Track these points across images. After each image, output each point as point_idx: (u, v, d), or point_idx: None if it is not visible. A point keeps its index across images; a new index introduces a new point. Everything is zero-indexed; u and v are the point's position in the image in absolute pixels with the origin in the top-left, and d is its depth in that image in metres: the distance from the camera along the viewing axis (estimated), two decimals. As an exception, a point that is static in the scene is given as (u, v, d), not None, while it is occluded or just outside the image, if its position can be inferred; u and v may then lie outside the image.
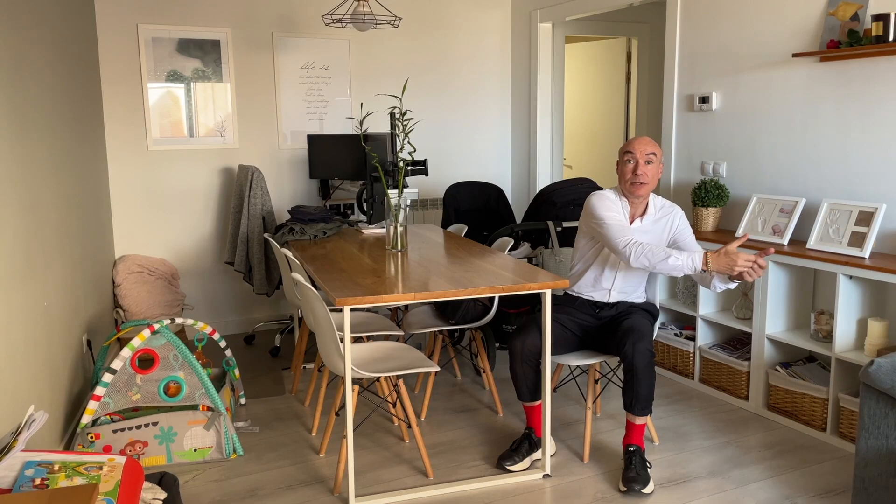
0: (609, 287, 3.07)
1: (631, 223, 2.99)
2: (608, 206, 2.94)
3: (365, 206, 4.46)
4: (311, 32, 4.93)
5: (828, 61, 3.32)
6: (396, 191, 3.42)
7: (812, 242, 3.26)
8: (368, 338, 3.60)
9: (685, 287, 3.96)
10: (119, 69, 4.48)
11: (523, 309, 3.94)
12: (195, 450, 3.01)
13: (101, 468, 2.01)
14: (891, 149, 3.11)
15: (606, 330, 3.02)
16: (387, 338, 4.08)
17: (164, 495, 2.17)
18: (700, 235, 3.67)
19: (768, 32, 3.58)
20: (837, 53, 3.18)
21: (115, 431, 2.92)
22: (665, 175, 4.22)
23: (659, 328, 4.02)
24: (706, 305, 3.75)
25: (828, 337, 3.23)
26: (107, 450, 2.91)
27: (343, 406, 3.31)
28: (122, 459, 2.06)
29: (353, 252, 3.46)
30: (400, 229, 3.43)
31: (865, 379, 2.23)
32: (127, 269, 4.38)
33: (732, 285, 2.82)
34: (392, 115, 4.50)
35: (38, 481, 1.94)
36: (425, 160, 4.39)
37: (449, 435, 3.29)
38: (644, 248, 2.75)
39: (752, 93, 3.70)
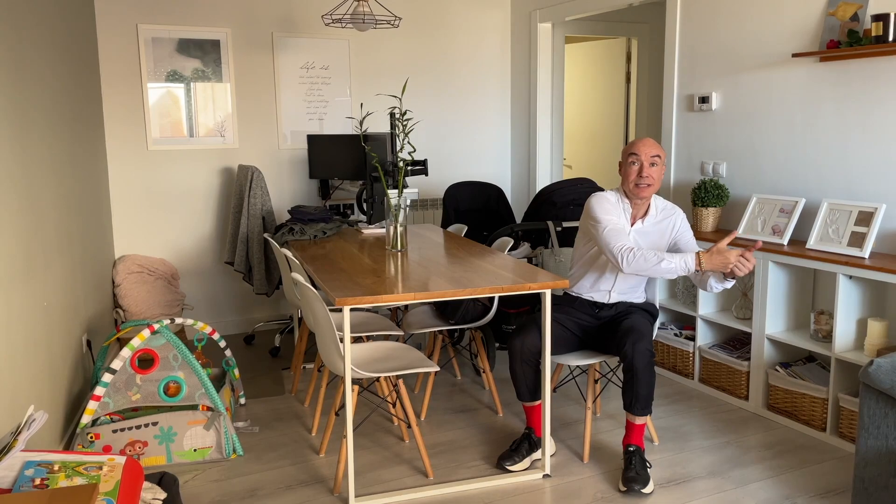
0: (609, 288, 3.07)
1: (632, 224, 2.99)
2: (607, 208, 2.93)
3: (365, 206, 4.46)
4: (311, 32, 4.93)
5: (827, 61, 3.32)
6: (396, 191, 3.42)
7: (812, 242, 3.26)
8: (368, 338, 3.60)
9: (685, 287, 3.96)
10: (119, 69, 4.49)
11: (523, 309, 3.94)
12: (195, 450, 3.01)
13: (100, 468, 2.01)
14: (891, 149, 3.11)
15: (606, 330, 3.02)
16: (387, 338, 4.08)
17: (163, 495, 2.17)
18: (700, 236, 3.67)
19: (768, 32, 3.58)
20: (837, 53, 3.19)
21: (114, 431, 2.92)
22: (665, 175, 4.22)
23: (659, 328, 4.02)
24: (706, 305, 3.75)
25: (827, 337, 3.23)
26: (107, 450, 2.91)
27: (343, 406, 3.31)
28: (121, 459, 2.06)
29: (353, 252, 3.46)
30: (400, 229, 3.43)
31: (865, 379, 2.23)
32: (127, 269, 4.38)
33: (728, 284, 2.82)
34: (392, 115, 4.50)
35: (37, 481, 1.94)
36: (425, 160, 4.39)
37: (449, 435, 3.29)
38: (636, 254, 2.74)
39: (751, 93, 3.70)
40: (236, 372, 3.57)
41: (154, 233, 4.70)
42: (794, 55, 3.36)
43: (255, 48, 4.79)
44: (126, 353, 2.96)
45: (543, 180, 5.40)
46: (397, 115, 4.46)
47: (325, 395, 3.76)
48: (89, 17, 4.21)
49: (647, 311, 3.07)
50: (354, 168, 4.46)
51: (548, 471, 2.92)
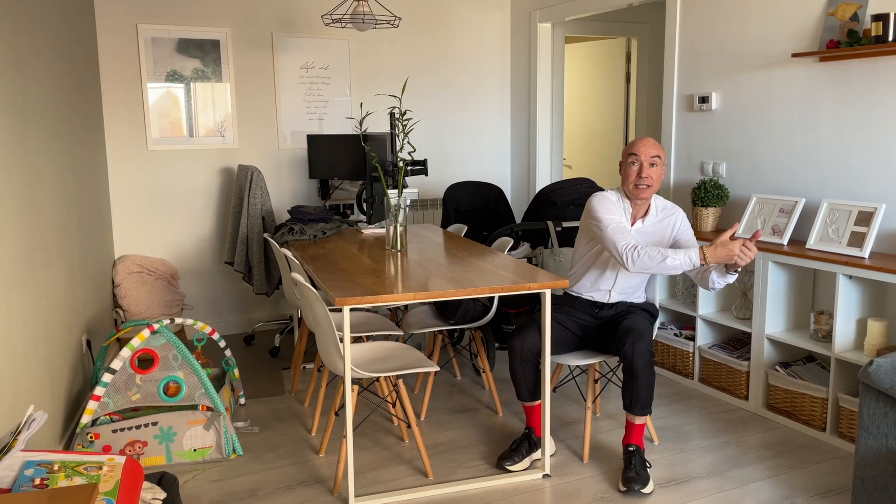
0: (609, 288, 3.07)
1: (633, 224, 2.99)
2: (609, 207, 2.93)
3: (364, 205, 4.46)
4: (311, 32, 4.93)
5: (827, 61, 3.33)
6: (396, 191, 3.42)
7: (812, 242, 3.26)
8: (368, 338, 3.60)
9: (685, 287, 3.96)
10: (119, 69, 4.49)
11: (523, 309, 3.94)
12: (195, 450, 3.01)
13: (100, 468, 2.01)
14: (890, 149, 3.11)
15: (606, 330, 3.02)
16: (386, 338, 4.08)
17: (163, 495, 2.17)
18: (700, 235, 3.67)
19: (768, 32, 3.58)
20: (837, 53, 3.19)
21: (114, 431, 2.92)
22: (665, 175, 4.21)
23: (658, 328, 4.02)
24: (706, 305, 3.75)
25: (827, 337, 3.23)
26: (106, 450, 2.91)
27: (343, 406, 3.31)
28: (121, 459, 2.06)
29: (353, 252, 3.46)
30: (399, 229, 3.43)
31: (865, 379, 2.23)
32: (126, 269, 4.38)
33: (731, 279, 2.82)
34: (392, 115, 4.50)
35: (37, 481, 1.94)
36: (425, 160, 4.39)
37: (448, 435, 3.29)
38: (641, 252, 2.75)
39: (751, 93, 3.70)
40: (236, 372, 3.57)
41: (154, 233, 4.70)
42: (794, 55, 3.36)
43: (255, 48, 4.79)
44: (126, 353, 2.96)
45: (543, 180, 5.40)
46: (397, 115, 4.46)
47: (325, 395, 3.76)
48: (89, 18, 4.21)
49: (647, 310, 3.07)
50: (354, 168, 4.46)
51: (548, 471, 2.92)
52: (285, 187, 5.01)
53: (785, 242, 3.39)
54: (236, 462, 3.05)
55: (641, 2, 4.38)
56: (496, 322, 3.99)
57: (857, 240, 3.11)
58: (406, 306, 4.16)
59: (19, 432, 2.02)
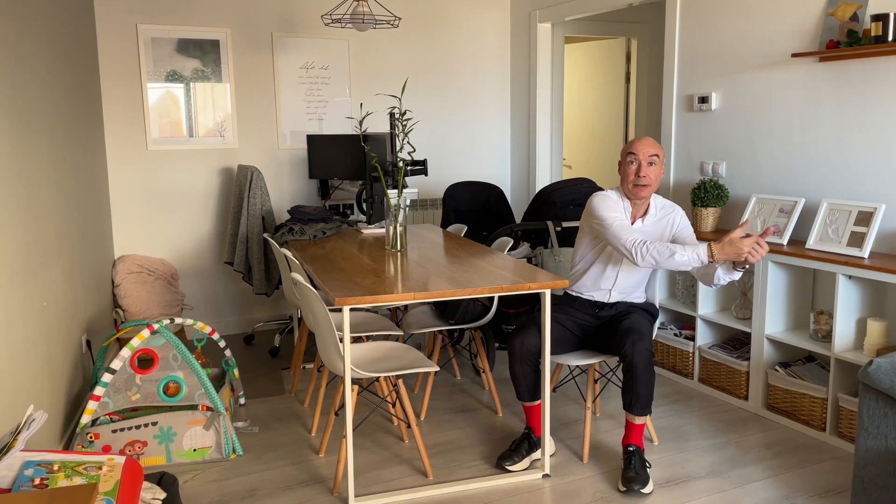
0: (610, 287, 3.07)
1: (632, 224, 2.99)
2: (610, 206, 2.94)
3: (364, 206, 4.46)
4: (311, 32, 4.93)
5: (827, 61, 3.33)
6: (396, 191, 3.42)
7: (811, 242, 3.26)
8: (368, 338, 3.60)
9: (685, 287, 3.96)
10: (118, 69, 4.49)
11: (523, 309, 3.94)
12: (195, 450, 3.01)
13: (100, 468, 2.01)
14: (890, 149, 3.11)
15: (606, 330, 3.02)
16: (386, 338, 4.08)
17: (163, 495, 2.17)
18: (700, 235, 3.67)
19: (768, 32, 3.58)
20: (837, 53, 3.19)
21: (114, 431, 2.92)
22: (665, 175, 4.22)
23: (658, 328, 4.02)
24: (706, 305, 3.75)
25: (827, 337, 3.23)
26: (106, 450, 2.91)
27: (342, 406, 3.31)
28: (121, 459, 2.06)
29: (353, 252, 3.46)
30: (399, 229, 3.43)
31: (865, 379, 2.23)
32: (126, 269, 4.38)
33: (738, 275, 2.81)
34: (391, 115, 4.50)
35: (37, 481, 1.94)
36: (425, 160, 4.39)
37: (448, 435, 3.29)
38: (650, 247, 2.75)
39: (751, 93, 3.70)
40: (236, 372, 3.57)
41: (154, 233, 4.70)
42: (794, 55, 3.36)
43: (255, 48, 4.79)
44: (126, 353, 2.96)
45: (543, 180, 5.40)
46: (397, 115, 4.46)
47: (325, 395, 3.76)
48: (89, 18, 4.21)
49: (647, 310, 3.07)
50: (354, 168, 4.46)
51: (547, 471, 2.92)
52: (285, 187, 5.01)
53: (785, 242, 3.39)
54: (236, 462, 3.05)
55: (641, 2, 4.38)
56: (496, 322, 3.99)
57: (857, 240, 3.11)
58: (406, 306, 4.16)
59: (19, 432, 2.02)
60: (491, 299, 3.48)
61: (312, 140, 4.61)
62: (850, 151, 3.27)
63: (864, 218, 3.12)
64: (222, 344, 3.53)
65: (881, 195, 3.16)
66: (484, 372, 3.64)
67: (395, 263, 3.14)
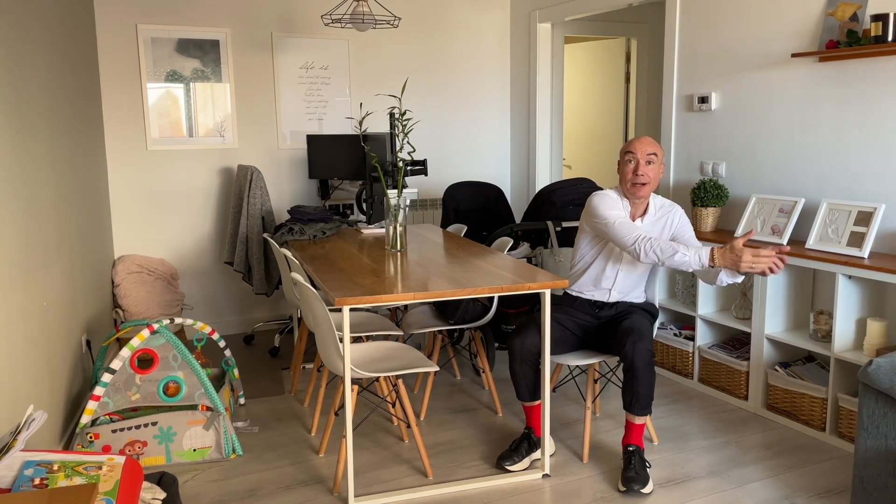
0: (609, 287, 3.07)
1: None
2: (611, 204, 2.94)
3: (364, 206, 4.46)
4: (311, 32, 4.93)
5: (827, 61, 3.33)
6: (396, 191, 3.42)
7: (811, 242, 3.26)
8: (368, 338, 3.60)
9: (684, 287, 3.96)
10: (118, 69, 4.49)
11: (523, 309, 3.94)
12: (194, 450, 3.01)
13: (100, 468, 2.01)
14: (890, 149, 3.11)
15: (606, 330, 3.02)
16: (386, 338, 4.08)
17: (163, 495, 2.17)
18: (699, 235, 3.67)
19: (767, 32, 3.58)
20: (836, 53, 3.19)
21: (114, 431, 2.92)
22: (664, 175, 4.22)
23: (658, 328, 4.03)
24: (705, 305, 3.75)
25: (827, 337, 3.23)
26: (106, 450, 2.91)
27: (342, 406, 3.31)
28: (121, 459, 2.06)
29: (353, 252, 3.46)
30: (399, 229, 3.43)
31: (864, 379, 2.23)
32: (126, 269, 4.38)
33: (740, 278, 2.82)
34: (391, 115, 4.50)
35: (37, 481, 1.94)
36: (424, 160, 4.39)
37: (448, 435, 3.29)
38: (653, 244, 2.75)
39: (751, 93, 3.70)
40: (236, 372, 3.57)
41: (153, 233, 4.70)
42: (794, 55, 3.36)
43: (255, 48, 4.79)
44: (125, 352, 2.96)
45: (543, 180, 5.40)
46: (397, 115, 4.46)
47: (325, 395, 3.76)
48: (89, 17, 4.21)
49: (647, 310, 3.07)
50: (354, 168, 4.46)
51: (547, 471, 2.92)
52: (285, 187, 5.01)
53: (784, 242, 3.39)
54: (236, 462, 3.05)
55: (641, 2, 4.38)
56: (496, 322, 4.00)
57: (857, 240, 3.11)
58: (406, 306, 4.16)
59: (19, 432, 2.02)
60: (491, 299, 3.48)
61: (312, 140, 4.61)
62: (849, 151, 3.27)
63: (864, 218, 3.12)
64: (222, 344, 3.53)
65: (881, 195, 3.16)
66: (484, 372, 3.64)
67: (395, 263, 3.14)
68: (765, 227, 3.50)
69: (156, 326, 3.01)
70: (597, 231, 2.99)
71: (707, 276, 2.89)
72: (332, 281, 2.78)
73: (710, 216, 3.77)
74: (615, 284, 3.06)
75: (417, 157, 5.31)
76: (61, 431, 2.99)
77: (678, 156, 4.16)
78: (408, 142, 3.34)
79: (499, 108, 5.59)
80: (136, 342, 2.97)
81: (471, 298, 3.37)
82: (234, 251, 4.48)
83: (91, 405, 2.91)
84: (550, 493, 2.78)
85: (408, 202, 5.27)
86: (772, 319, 3.41)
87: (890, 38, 2.97)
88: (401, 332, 3.34)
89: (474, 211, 4.73)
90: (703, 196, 3.76)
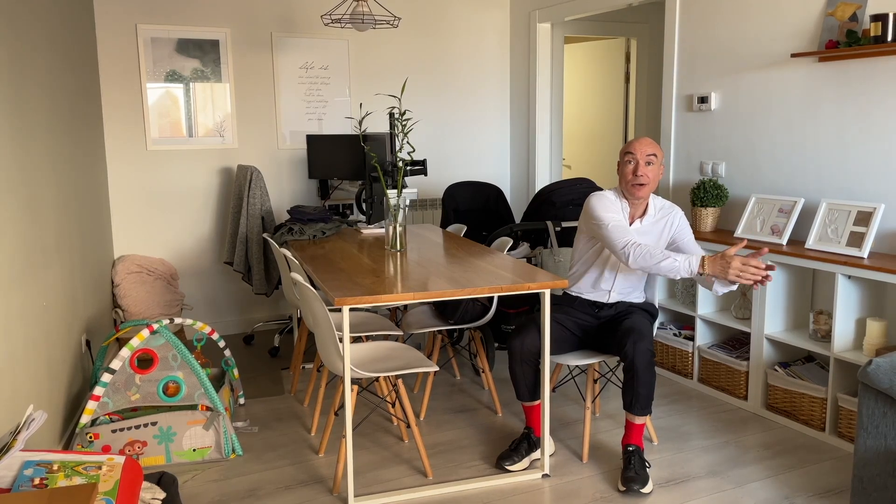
0: (609, 288, 3.07)
1: (630, 224, 2.99)
2: (607, 206, 2.94)
3: (364, 206, 4.46)
4: (311, 32, 4.93)
5: (826, 61, 3.33)
6: (395, 191, 3.42)
7: (811, 242, 3.26)
8: (367, 338, 3.60)
9: (684, 287, 3.96)
10: (118, 69, 4.49)
11: (522, 309, 3.94)
12: (194, 450, 3.01)
13: (100, 468, 2.01)
14: (890, 149, 3.11)
15: (606, 330, 3.02)
16: (386, 338, 4.08)
17: (163, 495, 2.17)
18: (699, 235, 3.67)
19: (767, 32, 3.58)
20: (836, 53, 3.19)
21: (114, 431, 2.92)
22: (664, 175, 4.22)
23: (658, 328, 4.03)
24: (705, 305, 3.76)
25: (826, 337, 3.23)
26: (106, 449, 2.91)
27: (342, 406, 3.31)
28: (121, 459, 2.06)
29: (353, 252, 3.46)
30: (399, 229, 3.43)
31: (864, 378, 2.23)
32: (126, 269, 4.38)
33: (734, 287, 2.81)
34: (391, 115, 4.50)
35: (37, 481, 1.94)
36: (424, 160, 4.39)
37: (448, 435, 3.29)
38: (642, 249, 2.75)
39: (750, 93, 3.70)
40: (235, 372, 3.57)
41: (153, 233, 4.70)
42: (793, 55, 3.36)
43: (255, 48, 4.79)
44: (125, 352, 2.96)
45: (542, 180, 5.40)
46: (396, 115, 4.46)
47: (325, 395, 3.76)
48: (89, 17, 4.21)
49: (647, 310, 3.07)
50: (354, 168, 4.46)
51: (547, 471, 2.92)
52: (285, 187, 5.01)
53: (784, 242, 3.39)
54: (236, 462, 3.05)
55: (641, 2, 4.38)
56: (495, 322, 4.00)
57: (856, 240, 3.11)
58: (405, 306, 4.16)
59: (19, 432, 2.02)
60: (490, 299, 3.48)
61: (312, 140, 4.61)
62: (849, 151, 3.27)
63: (864, 218, 3.12)
64: (222, 344, 3.53)
65: (880, 195, 3.16)
66: (483, 372, 3.64)
67: (395, 263, 3.15)
68: (764, 227, 3.50)
69: (155, 326, 3.01)
70: (592, 232, 2.99)
71: (705, 284, 2.89)
72: (331, 281, 2.78)
73: (709, 216, 3.77)
74: (614, 286, 3.06)
75: (417, 157, 5.31)
76: (61, 431, 2.99)
77: (678, 156, 4.16)
78: (407, 142, 3.34)
79: (499, 108, 5.59)
80: (135, 342, 2.97)
81: (470, 298, 3.37)
82: (233, 251, 4.48)
83: (91, 405, 2.91)
84: (550, 493, 2.78)
85: (407, 202, 5.27)
86: (771, 319, 3.41)
87: (889, 38, 2.97)
88: (400, 332, 3.34)
89: (474, 211, 4.73)
90: (703, 196, 3.76)
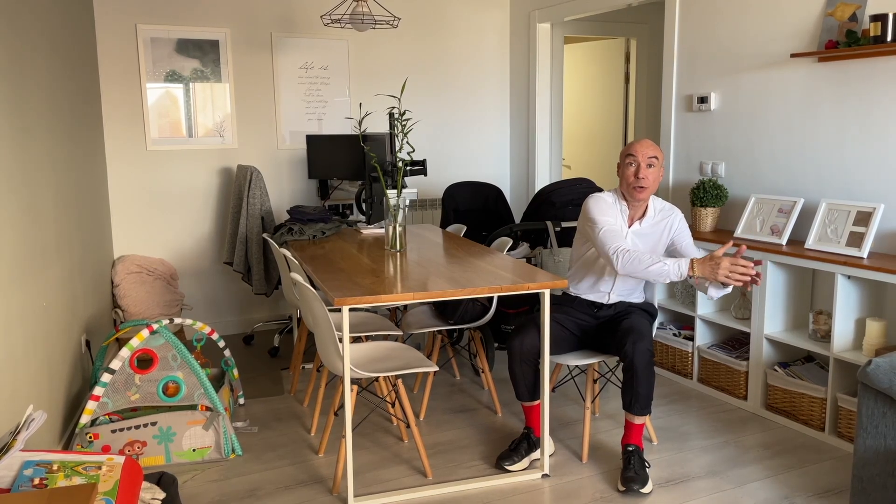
0: (608, 290, 3.07)
1: (630, 226, 2.99)
2: (603, 209, 2.94)
3: (364, 206, 4.46)
4: (310, 33, 4.93)
5: (826, 61, 3.33)
6: (395, 191, 3.42)
7: (810, 242, 3.26)
8: (367, 338, 3.61)
9: (684, 287, 3.96)
10: (118, 69, 4.49)
11: (522, 309, 3.95)
12: (194, 450, 3.01)
13: (99, 468, 2.01)
14: (889, 149, 3.11)
15: (605, 330, 3.02)
16: (385, 338, 4.08)
17: (162, 495, 2.17)
18: (698, 236, 3.67)
19: (767, 33, 3.59)
20: (836, 54, 3.19)
21: (113, 431, 2.92)
22: (664, 175, 4.22)
23: (658, 328, 4.03)
24: (705, 305, 3.76)
25: (826, 337, 3.23)
26: (105, 450, 2.91)
27: (342, 406, 3.31)
28: (120, 459, 2.06)
29: (352, 252, 3.46)
30: (399, 229, 3.43)
31: (863, 378, 2.23)
32: (126, 270, 4.38)
33: (726, 290, 2.81)
34: (391, 115, 4.50)
35: (36, 481, 1.94)
36: (424, 160, 4.40)
37: (448, 435, 3.29)
38: (631, 255, 2.74)
39: (750, 93, 3.70)
40: (235, 372, 3.57)
41: (153, 233, 4.70)
42: (793, 55, 3.36)
43: (254, 48, 4.79)
44: (125, 353, 2.96)
45: (542, 180, 5.41)
46: (396, 116, 4.46)
47: (325, 395, 3.76)
48: (88, 17, 4.21)
49: (646, 310, 3.07)
50: (353, 168, 4.46)
51: (547, 471, 2.92)
52: (284, 187, 5.01)
53: (784, 242, 3.39)
54: (235, 462, 3.06)
55: (641, 2, 4.38)
56: (495, 322, 4.00)
57: (856, 240, 3.11)
58: (405, 306, 4.16)
59: (18, 432, 2.02)
60: (490, 299, 3.48)
61: (312, 140, 4.61)
62: (849, 151, 3.27)
63: (863, 218, 3.12)
64: (221, 344, 3.53)
65: (880, 195, 3.16)
66: (483, 372, 3.64)
67: (395, 263, 3.15)
68: (764, 227, 3.50)
69: (155, 326, 3.01)
70: (586, 235, 2.99)
71: (701, 287, 2.88)
72: (331, 281, 2.78)
73: (709, 216, 3.77)
74: (614, 286, 3.06)
75: (417, 157, 5.31)
76: (61, 431, 2.99)
77: (677, 156, 4.16)
78: (407, 142, 3.34)
79: (498, 108, 5.59)
80: (135, 342, 2.97)
81: (470, 298, 3.37)
82: (233, 251, 4.48)
83: (90, 405, 2.91)
84: (550, 493, 2.78)
85: (407, 202, 5.27)
86: (771, 319, 3.41)
87: (889, 38, 2.98)
88: (400, 332, 3.34)
89: (474, 211, 4.73)
90: (703, 196, 3.76)
